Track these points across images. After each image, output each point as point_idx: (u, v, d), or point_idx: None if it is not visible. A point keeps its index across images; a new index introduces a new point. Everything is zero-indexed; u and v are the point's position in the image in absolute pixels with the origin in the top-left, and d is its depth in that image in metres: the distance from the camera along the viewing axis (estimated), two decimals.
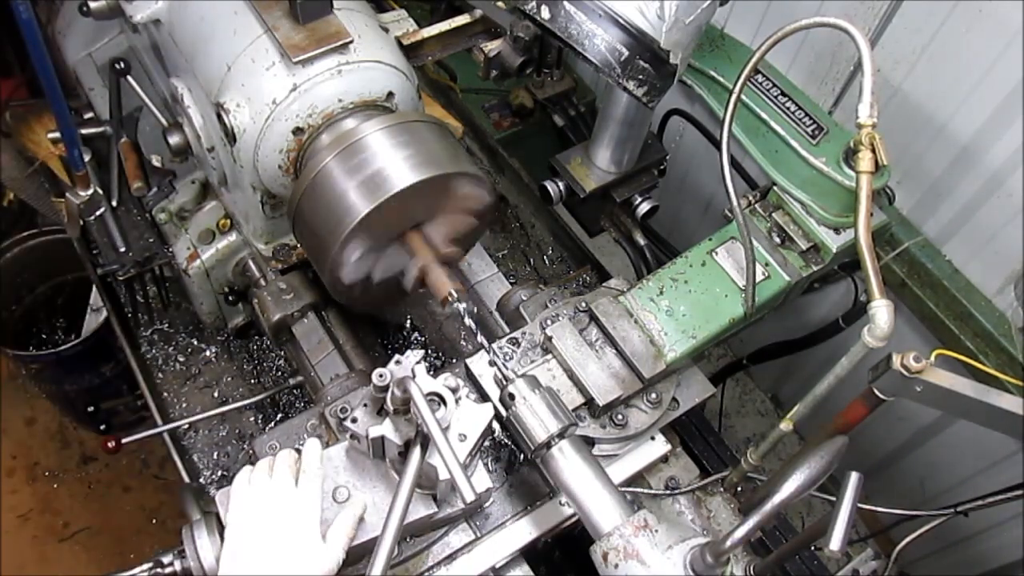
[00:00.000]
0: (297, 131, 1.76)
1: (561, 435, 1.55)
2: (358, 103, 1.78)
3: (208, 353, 2.55)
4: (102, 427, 3.46)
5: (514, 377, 1.62)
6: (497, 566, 1.74)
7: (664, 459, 1.94)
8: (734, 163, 2.15)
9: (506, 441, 1.76)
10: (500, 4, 1.89)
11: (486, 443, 1.75)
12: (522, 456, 1.74)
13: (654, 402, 1.82)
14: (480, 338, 1.72)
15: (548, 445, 1.55)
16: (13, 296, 3.39)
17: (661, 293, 1.86)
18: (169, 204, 2.23)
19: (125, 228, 2.27)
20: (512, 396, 1.59)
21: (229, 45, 1.75)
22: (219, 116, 1.75)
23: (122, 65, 2.21)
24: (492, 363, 1.74)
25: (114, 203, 2.29)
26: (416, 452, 1.45)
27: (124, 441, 2.10)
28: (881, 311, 1.49)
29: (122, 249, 2.24)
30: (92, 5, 1.95)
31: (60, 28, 2.49)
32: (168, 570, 1.47)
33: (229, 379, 2.51)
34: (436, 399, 1.48)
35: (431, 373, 1.47)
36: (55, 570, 3.38)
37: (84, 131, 2.27)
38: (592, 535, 1.48)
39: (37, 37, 1.63)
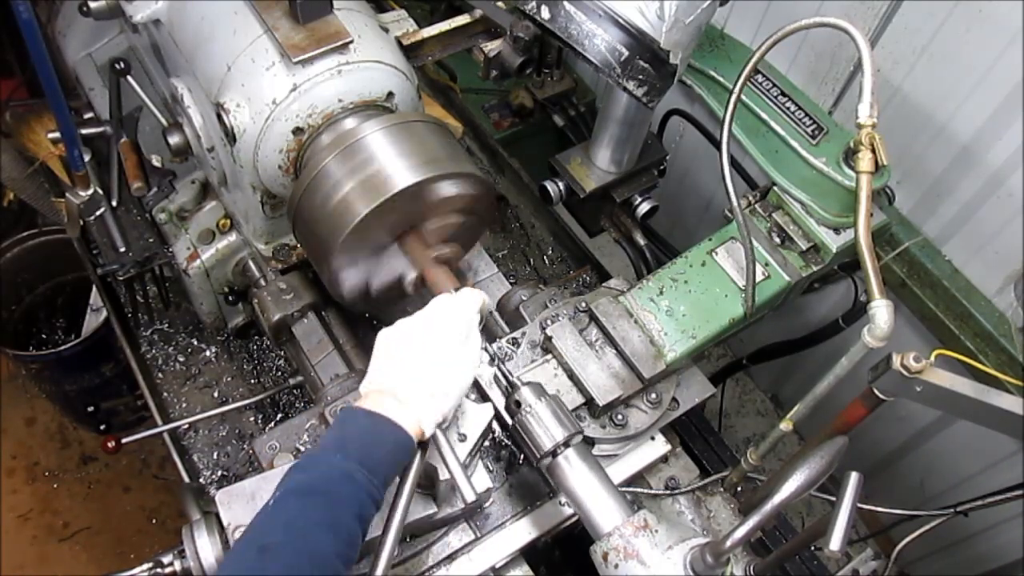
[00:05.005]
0: (297, 131, 1.76)
1: (566, 444, 1.55)
2: (358, 103, 1.78)
3: (208, 353, 2.55)
4: (102, 427, 3.46)
5: (520, 384, 1.61)
6: (497, 566, 1.74)
7: (664, 459, 1.94)
8: (734, 163, 2.15)
9: (506, 441, 1.76)
10: (500, 4, 1.89)
11: (486, 443, 1.75)
12: (522, 457, 1.74)
13: (654, 402, 1.82)
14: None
15: (554, 453, 1.55)
16: (13, 296, 3.39)
17: (661, 293, 1.86)
18: (169, 204, 2.23)
19: (125, 228, 2.27)
20: (518, 404, 1.59)
21: (229, 45, 1.75)
22: (219, 116, 1.75)
23: (122, 65, 2.20)
24: (492, 362, 1.74)
25: (114, 203, 2.29)
26: (416, 452, 1.45)
27: (124, 441, 2.10)
28: (881, 311, 1.49)
29: (122, 249, 2.24)
30: (92, 5, 1.95)
31: (60, 28, 2.49)
32: (168, 570, 1.47)
33: (229, 379, 2.50)
34: None
35: None
36: (55, 570, 3.38)
37: (84, 131, 2.27)
38: (592, 535, 1.48)
39: (37, 37, 1.63)
